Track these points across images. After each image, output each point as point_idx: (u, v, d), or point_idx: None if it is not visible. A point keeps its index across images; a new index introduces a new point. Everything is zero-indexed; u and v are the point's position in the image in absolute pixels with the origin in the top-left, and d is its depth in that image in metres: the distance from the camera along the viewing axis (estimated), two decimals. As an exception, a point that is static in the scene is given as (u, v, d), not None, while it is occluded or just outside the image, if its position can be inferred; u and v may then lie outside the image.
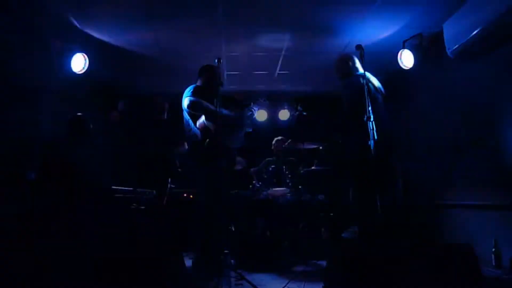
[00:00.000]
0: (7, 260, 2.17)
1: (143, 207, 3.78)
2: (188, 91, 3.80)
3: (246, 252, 4.62)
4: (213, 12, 4.12)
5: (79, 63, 4.59)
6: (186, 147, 4.57)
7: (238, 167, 5.86)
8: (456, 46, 3.95)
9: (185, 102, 3.71)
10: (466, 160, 4.36)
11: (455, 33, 3.97)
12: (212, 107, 3.66)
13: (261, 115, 7.03)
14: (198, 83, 3.98)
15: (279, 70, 5.97)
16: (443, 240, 4.69)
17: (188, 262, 3.39)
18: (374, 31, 4.65)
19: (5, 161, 3.77)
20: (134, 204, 3.64)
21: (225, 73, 4.08)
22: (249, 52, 5.22)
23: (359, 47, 3.30)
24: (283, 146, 5.74)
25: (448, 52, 4.11)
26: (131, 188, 3.50)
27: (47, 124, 4.51)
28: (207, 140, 3.66)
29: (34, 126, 4.27)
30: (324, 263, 3.73)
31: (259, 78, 6.30)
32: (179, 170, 4.79)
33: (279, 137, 5.96)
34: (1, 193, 3.58)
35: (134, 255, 2.07)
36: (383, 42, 4.88)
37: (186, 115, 3.89)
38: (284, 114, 7.41)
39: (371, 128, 3.13)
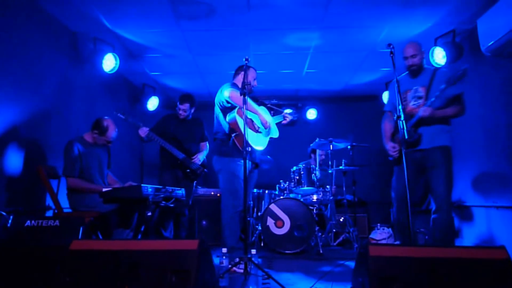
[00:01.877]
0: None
1: (172, 205, 3.82)
2: (227, 85, 3.85)
3: (273, 251, 4.63)
4: (241, 11, 4.14)
5: (110, 63, 4.70)
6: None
7: (265, 166, 5.88)
8: (491, 43, 3.82)
9: (226, 93, 3.74)
10: (496, 161, 4.25)
11: (490, 29, 3.84)
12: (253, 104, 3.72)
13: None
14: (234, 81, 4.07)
15: (307, 69, 5.94)
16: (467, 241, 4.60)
17: (216, 260, 3.42)
18: (405, 28, 4.56)
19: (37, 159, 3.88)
20: (163, 203, 3.68)
21: (256, 73, 4.06)
22: (276, 51, 5.21)
23: (389, 45, 3.23)
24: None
25: (483, 49, 3.98)
26: (160, 187, 3.54)
27: (79, 122, 4.62)
28: (233, 135, 3.73)
29: (67, 124, 4.39)
30: (351, 263, 3.71)
31: (286, 76, 6.29)
32: (205, 170, 4.82)
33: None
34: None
35: (162, 251, 2.10)
36: (415, 39, 4.77)
37: (217, 109, 3.94)
38: (311, 113, 7.40)
39: (402, 127, 3.07)
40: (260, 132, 3.91)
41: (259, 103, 4.08)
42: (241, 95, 3.24)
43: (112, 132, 3.98)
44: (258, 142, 3.87)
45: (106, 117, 3.99)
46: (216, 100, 3.93)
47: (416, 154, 3.47)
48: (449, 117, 3.48)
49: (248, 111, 3.60)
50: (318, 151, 5.81)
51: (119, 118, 4.26)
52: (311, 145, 5.60)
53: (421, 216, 5.27)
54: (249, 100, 3.69)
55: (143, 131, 4.46)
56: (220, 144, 3.90)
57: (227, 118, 3.77)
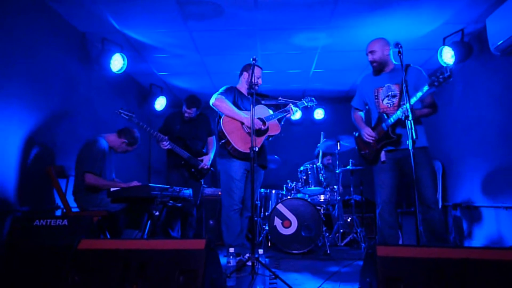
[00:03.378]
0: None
1: (179, 205, 3.83)
2: (219, 90, 3.99)
3: (280, 251, 4.63)
4: (248, 11, 4.14)
5: (118, 63, 4.73)
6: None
7: (273, 166, 5.88)
8: (501, 42, 3.78)
9: (211, 100, 3.91)
10: (505, 161, 4.21)
11: (500, 28, 3.80)
12: (233, 108, 3.84)
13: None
14: (238, 83, 4.19)
15: (314, 69, 5.93)
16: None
17: (223, 260, 3.43)
18: (413, 27, 4.54)
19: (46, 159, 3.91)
20: (171, 202, 3.69)
21: (261, 71, 4.07)
22: (283, 50, 5.21)
23: (397, 44, 3.21)
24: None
25: (492, 48, 3.94)
26: (168, 186, 3.55)
27: (87, 122, 4.66)
28: (220, 142, 3.89)
29: (75, 124, 4.42)
30: (358, 264, 3.69)
31: (293, 76, 6.28)
32: (212, 169, 4.83)
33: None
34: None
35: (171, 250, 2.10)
36: (423, 39, 4.76)
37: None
38: (319, 113, 7.39)
39: (409, 127, 3.05)
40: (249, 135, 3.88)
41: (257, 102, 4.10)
42: (248, 95, 3.28)
43: (138, 143, 4.13)
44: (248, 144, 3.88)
45: (135, 129, 4.11)
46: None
47: (397, 154, 3.46)
48: (425, 116, 3.47)
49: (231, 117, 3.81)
50: (321, 155, 5.78)
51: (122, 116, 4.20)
52: (318, 145, 5.59)
53: (405, 217, 5.29)
54: (231, 105, 3.85)
55: (164, 145, 4.51)
56: (220, 146, 4.02)
57: (217, 127, 3.92)
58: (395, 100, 3.47)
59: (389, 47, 3.58)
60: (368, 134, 3.60)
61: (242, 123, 3.85)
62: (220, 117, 3.92)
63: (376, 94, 3.61)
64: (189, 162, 4.64)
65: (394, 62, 3.60)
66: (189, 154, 4.63)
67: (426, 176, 3.34)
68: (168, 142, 4.49)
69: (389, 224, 3.51)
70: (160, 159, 6.71)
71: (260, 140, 3.97)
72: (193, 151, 4.70)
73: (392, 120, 3.41)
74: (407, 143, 2.91)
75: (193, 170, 4.68)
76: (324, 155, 6.08)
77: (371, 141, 3.59)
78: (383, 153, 3.55)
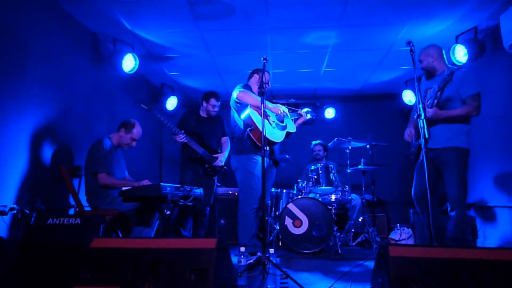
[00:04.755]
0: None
1: (190, 204, 3.84)
2: (237, 87, 4.08)
3: (291, 251, 4.62)
4: (259, 10, 4.14)
5: (129, 63, 4.75)
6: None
7: (284, 164, 5.87)
8: (515, 40, 3.74)
9: (234, 94, 4.01)
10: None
11: (514, 25, 3.75)
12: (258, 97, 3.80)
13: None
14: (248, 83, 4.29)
15: (325, 68, 5.91)
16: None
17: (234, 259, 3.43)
18: (425, 26, 4.49)
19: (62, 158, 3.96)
20: (181, 201, 3.71)
21: (271, 71, 4.10)
22: (294, 49, 5.20)
23: (409, 42, 3.19)
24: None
25: (506, 46, 3.89)
26: (179, 185, 3.57)
27: (99, 122, 4.70)
28: (248, 129, 3.87)
29: (88, 123, 4.46)
30: (370, 264, 3.67)
31: (304, 75, 6.26)
32: (225, 167, 4.85)
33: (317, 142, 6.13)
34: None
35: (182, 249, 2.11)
36: (435, 36, 4.70)
37: (232, 110, 4.14)
38: (329, 112, 7.35)
39: (422, 126, 3.02)
40: (274, 127, 4.01)
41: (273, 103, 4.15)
42: (259, 94, 3.30)
43: (139, 129, 4.10)
44: (274, 136, 3.94)
45: (132, 119, 4.13)
46: (231, 102, 4.13)
47: (431, 154, 3.46)
48: (457, 117, 3.41)
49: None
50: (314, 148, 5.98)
51: (142, 109, 4.37)
52: (329, 144, 5.57)
53: (443, 216, 5.23)
54: (256, 95, 3.85)
55: (180, 138, 4.54)
56: (237, 143, 4.06)
57: (242, 116, 3.96)
58: (432, 101, 3.45)
59: (436, 53, 3.63)
60: (406, 133, 3.79)
61: (267, 117, 3.89)
62: (243, 108, 3.97)
63: (425, 95, 3.67)
64: (203, 158, 4.65)
65: (448, 65, 3.67)
66: (204, 150, 4.65)
67: (449, 177, 3.41)
68: (184, 136, 4.52)
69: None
70: (172, 157, 6.75)
71: (281, 135, 4.05)
72: (208, 148, 4.72)
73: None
74: (435, 142, 3.06)
75: (207, 166, 4.70)
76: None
77: (409, 139, 3.75)
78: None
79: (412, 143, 3.72)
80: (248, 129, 3.87)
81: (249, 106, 3.92)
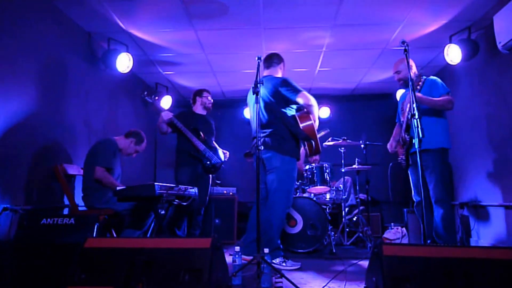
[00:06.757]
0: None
1: (184, 204, 3.83)
2: (292, 82, 3.94)
3: (286, 250, 4.62)
4: (254, 10, 4.14)
5: (123, 62, 4.73)
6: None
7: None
8: (509, 40, 3.76)
9: (301, 99, 3.77)
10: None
11: (507, 25, 3.78)
12: None
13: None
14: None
15: (320, 67, 5.91)
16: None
17: (228, 258, 3.43)
18: (419, 25, 4.51)
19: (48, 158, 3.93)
20: (176, 201, 3.69)
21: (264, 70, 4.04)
22: (289, 49, 5.20)
23: (403, 42, 3.20)
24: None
25: (499, 46, 3.92)
26: (173, 185, 3.56)
27: (93, 121, 4.68)
28: (310, 140, 3.78)
29: (82, 123, 4.44)
30: (364, 263, 3.69)
31: (299, 75, 6.26)
32: (222, 165, 4.85)
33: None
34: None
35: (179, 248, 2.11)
36: (429, 36, 4.73)
37: (271, 104, 3.85)
38: (324, 112, 7.35)
39: (416, 125, 3.03)
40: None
41: None
42: (253, 94, 3.15)
43: (145, 144, 4.16)
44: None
45: (142, 132, 4.18)
46: (273, 94, 3.80)
47: (414, 156, 3.55)
48: (435, 105, 3.64)
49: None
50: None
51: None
52: (324, 144, 5.57)
53: (411, 216, 5.32)
54: None
55: (167, 114, 4.54)
56: (280, 141, 3.72)
57: (302, 124, 3.71)
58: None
59: (413, 64, 3.85)
60: (388, 146, 4.15)
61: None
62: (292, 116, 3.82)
63: (402, 107, 3.96)
64: (204, 154, 4.65)
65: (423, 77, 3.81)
66: (205, 147, 4.65)
67: (431, 179, 3.64)
68: (172, 114, 4.57)
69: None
70: (167, 157, 6.71)
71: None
72: (207, 144, 4.73)
73: (403, 124, 3.72)
74: (414, 143, 3.05)
75: (208, 163, 4.68)
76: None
77: (391, 151, 4.11)
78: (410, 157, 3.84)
79: (398, 151, 3.95)
80: (310, 140, 3.69)
81: (310, 115, 3.73)
